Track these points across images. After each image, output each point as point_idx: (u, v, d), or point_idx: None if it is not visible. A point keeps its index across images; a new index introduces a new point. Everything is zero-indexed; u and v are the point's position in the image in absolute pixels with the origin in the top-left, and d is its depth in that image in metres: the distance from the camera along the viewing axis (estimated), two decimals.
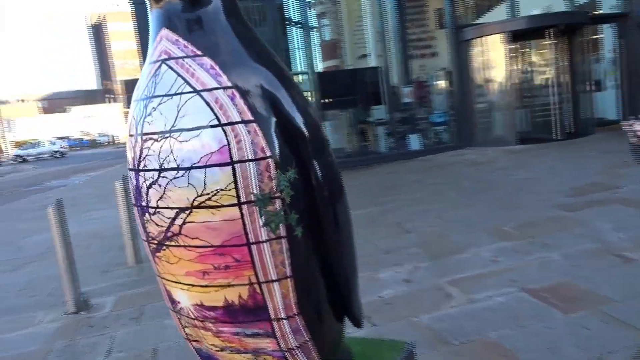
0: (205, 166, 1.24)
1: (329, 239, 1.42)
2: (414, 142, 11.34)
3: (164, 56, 1.30)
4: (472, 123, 11.16)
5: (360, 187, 8.19)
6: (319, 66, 18.23)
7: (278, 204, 1.30)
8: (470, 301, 3.18)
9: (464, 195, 6.43)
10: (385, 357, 1.73)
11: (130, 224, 5.04)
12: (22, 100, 68.85)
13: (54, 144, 38.17)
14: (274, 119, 1.31)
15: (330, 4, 19.77)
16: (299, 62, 16.62)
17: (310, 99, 11.26)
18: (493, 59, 10.82)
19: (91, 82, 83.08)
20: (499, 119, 11.18)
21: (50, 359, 3.17)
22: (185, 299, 1.40)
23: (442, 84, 12.28)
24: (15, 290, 4.87)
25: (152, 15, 1.36)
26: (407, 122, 11.66)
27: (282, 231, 1.31)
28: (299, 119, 1.36)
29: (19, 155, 37.42)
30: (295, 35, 16.39)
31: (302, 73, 13.78)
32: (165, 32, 1.32)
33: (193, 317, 1.43)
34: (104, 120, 61.42)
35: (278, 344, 1.39)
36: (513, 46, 10.67)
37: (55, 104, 69.38)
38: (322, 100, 11.12)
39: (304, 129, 1.37)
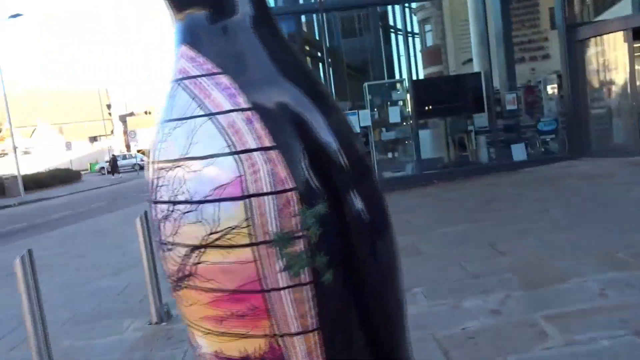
0: (218, 200, 1.09)
1: (367, 286, 1.20)
2: (518, 151, 10.53)
3: (180, 75, 1.18)
4: (585, 131, 10.12)
5: (454, 200, 7.72)
6: (421, 73, 17.78)
7: (302, 244, 1.11)
8: (568, 343, 2.74)
9: (572, 213, 5.75)
10: None
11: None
12: (148, 113, 75.17)
13: (134, 157, 41.32)
14: (300, 145, 1.13)
15: (434, 8, 19.21)
16: (399, 70, 16.31)
17: (406, 107, 10.94)
18: (613, 60, 9.75)
19: None
20: (619, 125, 10.04)
21: None
22: (205, 344, 1.26)
23: (552, 88, 11.31)
24: (112, 295, 5.14)
25: (175, 29, 1.24)
26: (511, 130, 10.88)
27: (306, 276, 1.12)
28: (332, 144, 1.16)
29: (102, 167, 41.19)
30: (397, 42, 16.13)
31: (400, 81, 13.47)
32: (183, 48, 1.19)
33: None
34: None
35: None
36: (638, 44, 9.52)
37: None
38: (421, 108, 10.71)
39: (339, 155, 1.17)
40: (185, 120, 1.14)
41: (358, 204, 1.17)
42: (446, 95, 11.05)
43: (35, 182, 28.63)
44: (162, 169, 1.17)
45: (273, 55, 1.21)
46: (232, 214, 1.09)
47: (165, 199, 1.16)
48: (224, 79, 1.13)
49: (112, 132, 65.04)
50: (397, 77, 15.19)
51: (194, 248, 1.14)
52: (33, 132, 56.45)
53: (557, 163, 9.81)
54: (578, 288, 3.46)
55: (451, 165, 11.09)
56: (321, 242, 1.13)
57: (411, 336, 1.34)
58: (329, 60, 12.34)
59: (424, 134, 11.53)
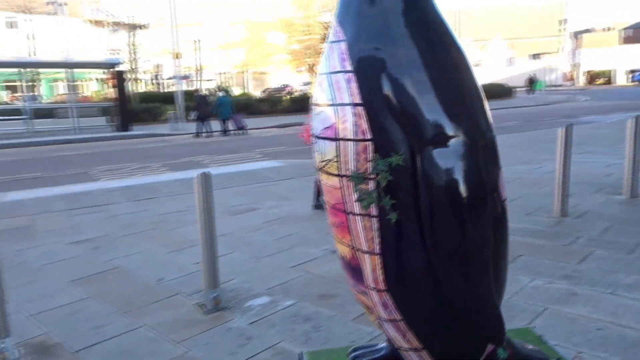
0: (323, 138, 1.46)
1: (431, 241, 1.36)
2: None
3: (329, 39, 1.52)
4: None
5: None
6: None
7: (372, 184, 1.37)
8: None
9: None
10: None
11: (564, 173, 4.91)
12: (607, 29, 67.97)
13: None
14: (385, 105, 1.34)
15: None
16: None
17: None
18: None
19: None
20: None
21: None
22: None
23: None
24: None
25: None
26: None
27: (374, 210, 1.39)
28: (418, 106, 1.32)
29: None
30: None
31: None
32: (333, 18, 1.52)
33: None
34: None
35: (374, 310, 1.51)
36: None
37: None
38: None
39: (420, 117, 1.32)
40: (321, 75, 1.52)
41: (431, 164, 1.32)
42: None
43: None
44: (313, 107, 1.59)
45: (406, 26, 1.38)
46: (329, 150, 1.44)
47: (311, 131, 1.60)
48: (343, 45, 1.42)
49: (559, 50, 62.37)
50: None
51: (317, 170, 1.56)
52: (485, 46, 60.37)
53: None
54: None
55: None
56: (390, 187, 1.36)
57: None
58: None
59: None
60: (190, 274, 3.91)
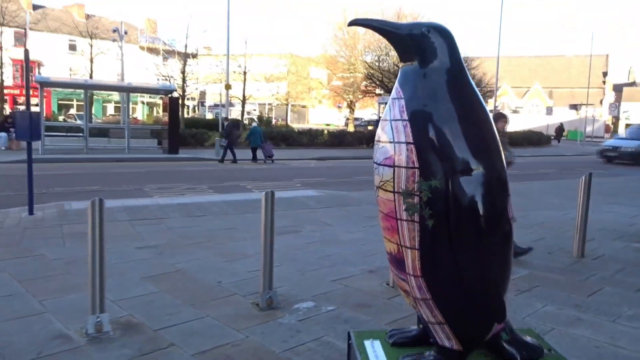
0: (383, 165, 2.06)
1: (455, 238, 1.94)
2: None
3: (393, 95, 2.15)
4: None
5: None
6: None
7: (416, 199, 1.97)
8: None
9: None
10: None
11: (583, 218, 5.34)
12: None
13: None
14: (429, 144, 1.94)
15: None
16: None
17: None
18: None
19: None
20: None
21: None
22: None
23: None
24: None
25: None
26: None
27: (416, 217, 1.97)
28: (452, 147, 1.92)
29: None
30: None
31: None
32: (397, 81, 2.14)
33: None
34: None
35: (411, 292, 2.08)
36: None
37: None
38: None
39: (453, 155, 1.92)
40: (384, 120, 2.14)
41: (458, 188, 1.91)
42: None
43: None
44: (375, 144, 2.21)
45: (447, 90, 2.00)
46: (387, 173, 2.04)
47: (374, 160, 2.21)
48: (402, 101, 2.04)
49: (601, 101, 61.97)
50: None
51: (376, 188, 2.17)
52: (525, 93, 60.55)
53: None
54: None
55: None
56: (429, 201, 1.95)
57: None
58: None
59: None
60: (244, 280, 4.51)
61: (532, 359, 2.17)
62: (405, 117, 2.02)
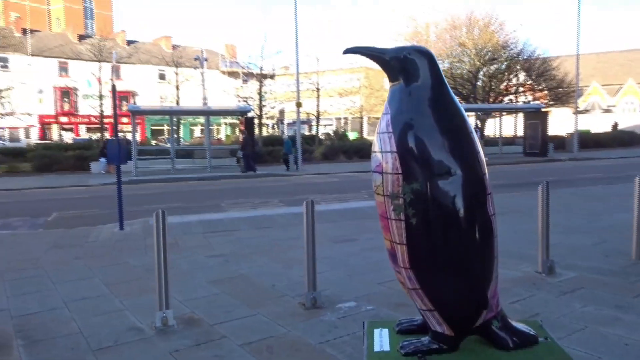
0: (375, 172, 2.38)
1: (436, 233, 2.21)
2: None
3: (384, 111, 2.46)
4: None
5: None
6: None
7: (401, 201, 2.26)
8: None
9: None
10: None
11: None
12: None
13: None
14: (410, 153, 2.24)
15: None
16: None
17: None
18: None
19: None
20: None
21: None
22: None
23: None
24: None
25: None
26: None
27: (402, 217, 2.27)
28: (430, 154, 2.20)
29: None
30: None
31: None
32: (386, 100, 2.46)
33: None
34: None
35: (405, 283, 2.37)
36: None
37: None
38: None
39: (431, 160, 2.20)
40: (377, 133, 2.45)
41: (433, 189, 2.19)
42: None
43: (594, 141, 29.73)
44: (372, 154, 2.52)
45: (429, 105, 2.29)
46: (378, 179, 2.35)
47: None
48: (389, 116, 2.35)
49: None
50: None
51: (374, 191, 2.48)
52: (617, 91, 56.60)
53: None
54: None
55: None
56: (412, 202, 2.24)
57: None
58: None
59: None
60: (296, 283, 4.91)
61: (525, 346, 2.36)
62: (391, 130, 2.33)
